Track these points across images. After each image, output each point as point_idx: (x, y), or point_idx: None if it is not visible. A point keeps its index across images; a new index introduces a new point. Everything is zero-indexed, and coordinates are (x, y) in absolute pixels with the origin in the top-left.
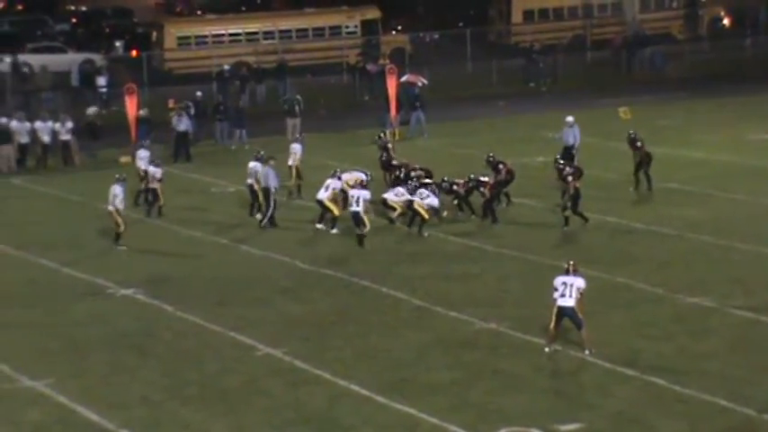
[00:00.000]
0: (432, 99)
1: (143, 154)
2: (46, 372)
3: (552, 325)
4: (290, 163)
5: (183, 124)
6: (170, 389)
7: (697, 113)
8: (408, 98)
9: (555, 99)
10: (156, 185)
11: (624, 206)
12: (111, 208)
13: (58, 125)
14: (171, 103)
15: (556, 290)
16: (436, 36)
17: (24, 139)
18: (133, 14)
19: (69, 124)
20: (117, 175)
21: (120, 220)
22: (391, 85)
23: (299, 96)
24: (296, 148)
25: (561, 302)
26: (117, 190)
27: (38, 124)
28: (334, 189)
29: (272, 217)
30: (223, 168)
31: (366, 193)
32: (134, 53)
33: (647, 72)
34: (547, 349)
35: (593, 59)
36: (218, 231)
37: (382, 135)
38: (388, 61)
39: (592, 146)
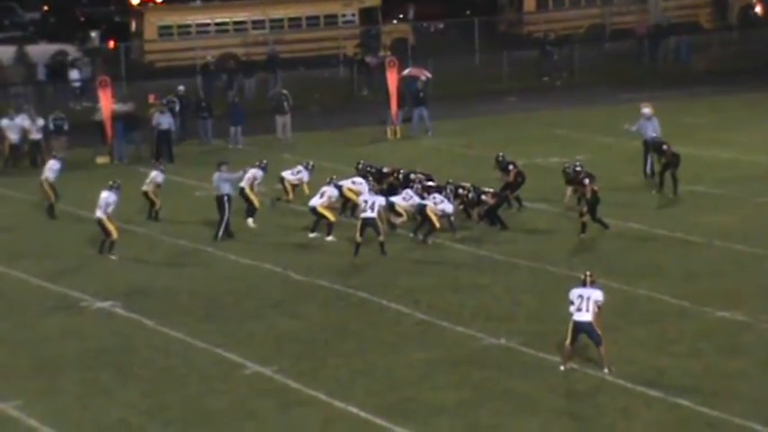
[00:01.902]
0: (436, 94)
1: (55, 165)
2: (14, 392)
3: (568, 341)
4: (287, 176)
5: (165, 122)
6: (150, 411)
7: (726, 110)
8: (411, 93)
9: (571, 94)
10: (148, 188)
11: (647, 211)
12: (100, 215)
13: (27, 123)
14: (152, 99)
15: (572, 303)
16: (441, 26)
17: None
18: (110, 2)
19: (41, 122)
20: (111, 182)
21: (112, 229)
22: (392, 80)
23: (285, 91)
24: (304, 175)
25: (577, 317)
26: (111, 198)
27: (5, 122)
28: (330, 197)
29: (227, 227)
30: (208, 170)
31: (381, 199)
32: (111, 44)
33: (671, 65)
34: (562, 368)
35: (612, 51)
36: (202, 239)
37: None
38: (388, 53)
39: (611, 145)
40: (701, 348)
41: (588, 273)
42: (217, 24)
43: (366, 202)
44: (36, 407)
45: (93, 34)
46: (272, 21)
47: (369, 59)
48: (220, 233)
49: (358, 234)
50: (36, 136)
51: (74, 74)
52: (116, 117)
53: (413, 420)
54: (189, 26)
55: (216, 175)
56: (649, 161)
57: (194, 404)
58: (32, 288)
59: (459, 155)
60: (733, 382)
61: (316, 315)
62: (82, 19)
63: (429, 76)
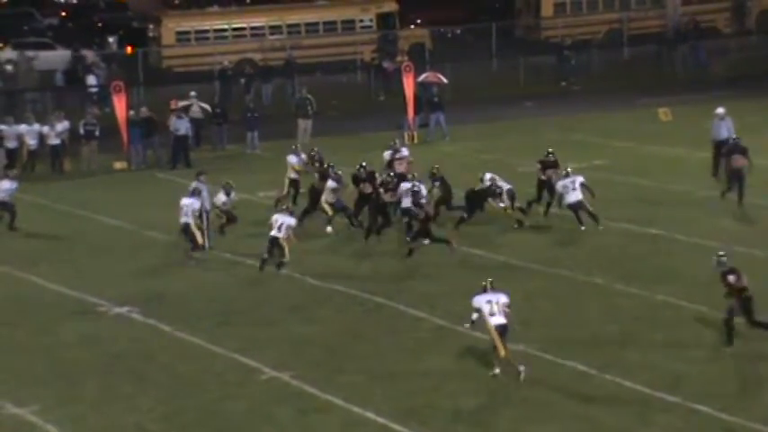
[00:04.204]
0: (454, 99)
1: (5, 185)
2: (32, 398)
3: (503, 349)
4: (292, 176)
5: (182, 127)
6: (167, 416)
7: (744, 115)
8: (427, 99)
9: (588, 99)
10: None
11: (665, 216)
12: (187, 221)
13: (46, 128)
14: (173, 104)
15: (478, 310)
16: (459, 31)
17: (12, 144)
18: (128, 7)
19: (59, 127)
20: (191, 188)
21: (198, 235)
22: (409, 85)
23: (309, 96)
24: (292, 160)
25: (495, 321)
26: (196, 204)
27: (23, 127)
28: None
29: (208, 236)
30: (224, 175)
31: (291, 220)
32: (129, 49)
33: (689, 69)
34: (497, 370)
35: (630, 56)
36: (219, 244)
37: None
38: (405, 58)
39: (629, 150)
40: (720, 354)
41: (489, 280)
42: (234, 30)
43: (276, 221)
44: (54, 412)
45: (111, 40)
46: (289, 26)
47: (386, 65)
48: (207, 243)
49: (266, 252)
50: (54, 141)
51: (91, 79)
52: (133, 122)
53: (430, 426)
54: (206, 31)
55: (193, 184)
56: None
57: (211, 409)
58: (50, 293)
59: (476, 160)
60: (752, 388)
61: (333, 320)
62: (99, 24)
63: (445, 81)
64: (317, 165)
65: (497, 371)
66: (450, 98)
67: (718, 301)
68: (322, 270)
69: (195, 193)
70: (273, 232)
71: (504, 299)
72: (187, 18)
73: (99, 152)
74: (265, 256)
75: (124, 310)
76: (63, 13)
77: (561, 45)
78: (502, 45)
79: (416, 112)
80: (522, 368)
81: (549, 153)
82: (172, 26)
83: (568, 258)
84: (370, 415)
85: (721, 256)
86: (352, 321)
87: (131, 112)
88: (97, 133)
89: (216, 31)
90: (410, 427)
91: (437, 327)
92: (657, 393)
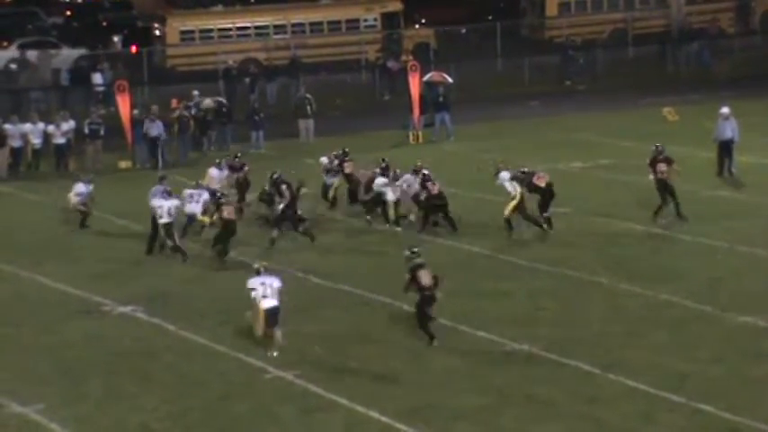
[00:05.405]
0: (459, 99)
1: (82, 189)
2: (36, 397)
3: (262, 330)
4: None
5: (154, 130)
6: (172, 416)
7: (748, 115)
8: (432, 98)
9: (593, 99)
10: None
11: (670, 216)
12: (168, 221)
13: (51, 127)
14: (174, 103)
15: (253, 290)
16: (463, 30)
17: (17, 143)
18: (132, 6)
19: (65, 126)
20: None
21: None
22: (414, 84)
23: (308, 95)
24: (213, 173)
25: (267, 304)
26: (174, 203)
27: (27, 126)
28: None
29: (158, 241)
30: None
31: (176, 202)
32: (133, 49)
33: (693, 69)
34: (274, 353)
35: (634, 55)
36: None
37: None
38: (410, 58)
39: (633, 149)
40: (724, 354)
41: (263, 263)
42: (239, 29)
43: (161, 207)
44: (58, 411)
45: (116, 39)
46: (293, 25)
47: (390, 64)
48: (155, 248)
49: (169, 241)
50: (59, 140)
51: (96, 78)
52: (137, 122)
53: (434, 426)
54: (211, 31)
55: (155, 188)
56: (731, 162)
57: (216, 409)
58: (55, 292)
59: (480, 159)
60: (756, 388)
61: (337, 319)
62: (104, 24)
63: (450, 80)
64: (239, 176)
65: (275, 353)
66: (455, 97)
67: (723, 301)
68: (326, 269)
69: (168, 194)
70: (165, 219)
71: (277, 283)
72: (192, 17)
73: (104, 151)
74: (170, 244)
75: (128, 309)
76: (68, 13)
77: (566, 45)
78: (507, 45)
79: (422, 111)
80: (275, 354)
81: (657, 147)
82: (176, 25)
83: (573, 258)
84: (374, 414)
85: (413, 251)
86: (356, 321)
87: (135, 112)
88: (102, 132)
89: (220, 30)
90: (414, 427)
91: (442, 326)
92: (662, 393)
